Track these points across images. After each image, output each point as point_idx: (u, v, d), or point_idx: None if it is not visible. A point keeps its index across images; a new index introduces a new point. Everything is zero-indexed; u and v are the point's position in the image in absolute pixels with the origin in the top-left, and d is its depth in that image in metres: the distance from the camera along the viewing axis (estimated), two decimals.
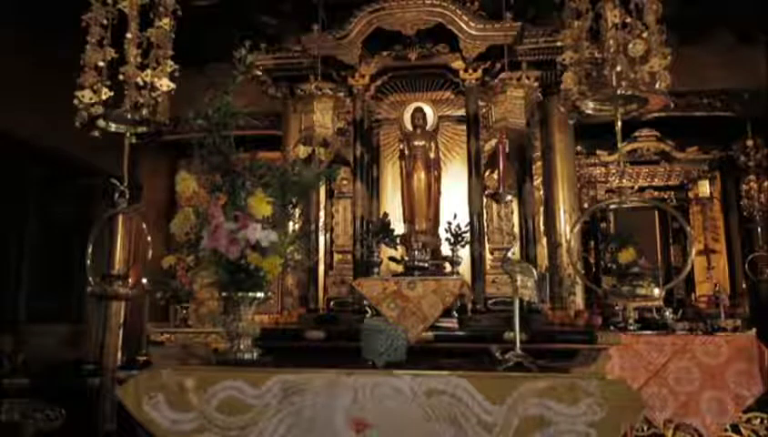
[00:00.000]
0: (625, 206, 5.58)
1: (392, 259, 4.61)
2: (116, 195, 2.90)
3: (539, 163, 5.50)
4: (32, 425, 3.86)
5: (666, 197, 7.16)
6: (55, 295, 6.06)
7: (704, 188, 7.04)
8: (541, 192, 5.60)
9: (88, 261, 2.87)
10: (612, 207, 6.73)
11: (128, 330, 5.83)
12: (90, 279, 2.89)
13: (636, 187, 6.92)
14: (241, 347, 2.39)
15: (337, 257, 5.08)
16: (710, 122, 6.44)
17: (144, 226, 3.08)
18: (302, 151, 4.93)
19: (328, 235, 5.06)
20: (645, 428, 3.91)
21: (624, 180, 6.41)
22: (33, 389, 5.04)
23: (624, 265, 4.83)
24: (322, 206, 5.05)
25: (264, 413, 1.99)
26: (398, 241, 4.62)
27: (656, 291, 2.77)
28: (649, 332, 4.64)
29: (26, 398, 4.19)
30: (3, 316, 5.99)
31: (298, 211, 2.87)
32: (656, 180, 7.26)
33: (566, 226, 5.23)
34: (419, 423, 1.88)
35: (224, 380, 2.05)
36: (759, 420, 4.15)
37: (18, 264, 6.22)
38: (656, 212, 7.21)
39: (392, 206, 5.02)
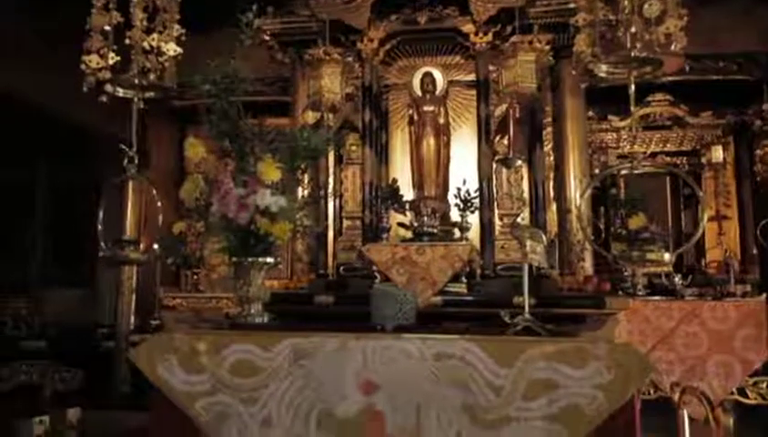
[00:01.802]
0: (636, 171, 5.54)
1: (401, 224, 4.62)
2: (126, 160, 2.90)
3: (549, 128, 5.45)
4: (50, 386, 3.95)
5: (678, 162, 7.09)
6: (68, 261, 6.15)
7: (717, 153, 6.95)
8: (552, 158, 5.56)
9: (100, 227, 2.89)
10: (624, 172, 6.68)
11: (140, 295, 5.91)
12: (102, 244, 2.91)
13: (648, 152, 6.83)
14: (252, 311, 2.42)
15: (346, 223, 5.10)
16: (725, 86, 6.32)
17: (154, 192, 3.09)
18: (311, 117, 4.91)
19: (337, 201, 5.07)
20: (652, 391, 3.95)
21: (636, 146, 6.34)
22: (50, 351, 5.16)
23: (634, 231, 4.80)
24: (331, 172, 5.05)
25: (275, 375, 2.02)
26: (407, 207, 4.62)
27: (666, 256, 2.75)
28: (657, 298, 4.63)
29: (44, 360, 4.29)
30: (18, 281, 6.09)
31: (306, 177, 2.87)
32: (668, 146, 7.18)
33: (576, 192, 5.20)
34: (427, 386, 1.90)
35: (235, 343, 2.08)
36: (766, 384, 4.18)
37: (31, 230, 6.29)
38: (667, 178, 7.14)
39: (401, 172, 5.01)
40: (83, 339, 5.68)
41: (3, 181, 6.07)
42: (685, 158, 7.16)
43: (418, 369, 1.92)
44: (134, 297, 5.87)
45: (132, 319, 5.82)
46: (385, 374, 1.94)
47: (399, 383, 1.93)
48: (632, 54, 2.51)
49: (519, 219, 4.43)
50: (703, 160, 7.05)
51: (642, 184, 6.66)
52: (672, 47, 2.46)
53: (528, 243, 2.20)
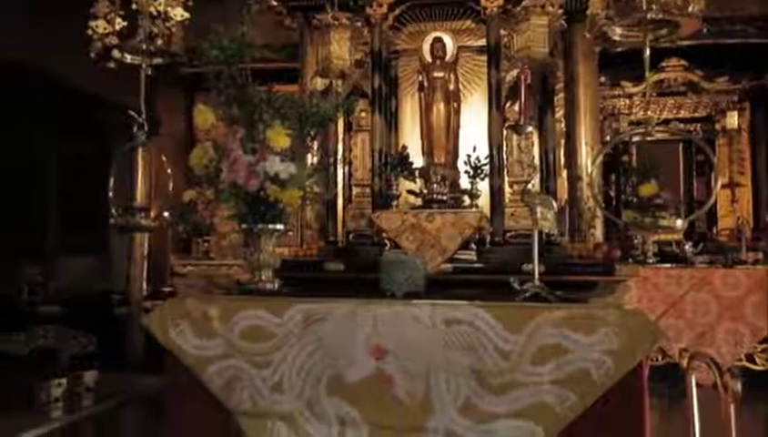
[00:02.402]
0: (649, 138, 5.47)
1: (411, 192, 4.60)
2: (135, 127, 2.90)
3: (561, 94, 5.36)
4: (66, 350, 4.03)
5: (692, 129, 6.98)
6: (81, 229, 6.20)
7: (732, 119, 6.83)
8: (563, 124, 5.50)
9: (110, 194, 2.91)
10: (636, 139, 6.60)
11: (152, 263, 5.97)
12: (113, 211, 2.94)
13: (661, 118, 6.73)
14: (263, 277, 2.44)
15: (355, 190, 5.09)
16: (742, 50, 6.18)
17: (163, 159, 3.09)
18: (319, 83, 4.86)
19: (346, 168, 5.06)
20: (660, 358, 3.98)
21: (649, 112, 6.25)
22: (65, 317, 5.24)
23: (646, 198, 4.76)
24: (340, 139, 5.02)
25: (286, 341, 2.05)
26: (416, 174, 4.60)
27: (678, 223, 2.73)
28: (668, 265, 4.63)
29: (60, 325, 4.36)
30: (33, 249, 6.17)
31: (316, 144, 2.86)
32: (682, 112, 7.06)
33: (587, 159, 5.15)
34: (437, 351, 1.92)
35: (246, 309, 2.11)
36: None
37: (44, 199, 6.35)
38: (680, 145, 7.06)
39: (411, 138, 4.97)
40: (97, 305, 5.76)
41: (15, 151, 6.10)
42: (699, 125, 7.05)
43: (427, 334, 1.94)
44: (145, 264, 5.93)
45: (144, 285, 5.89)
46: (395, 340, 1.96)
47: (408, 349, 1.95)
48: (648, 16, 2.45)
49: (529, 186, 4.40)
50: (718, 127, 6.94)
51: (655, 151, 6.57)
52: (690, 9, 2.39)
53: (538, 210, 2.19)
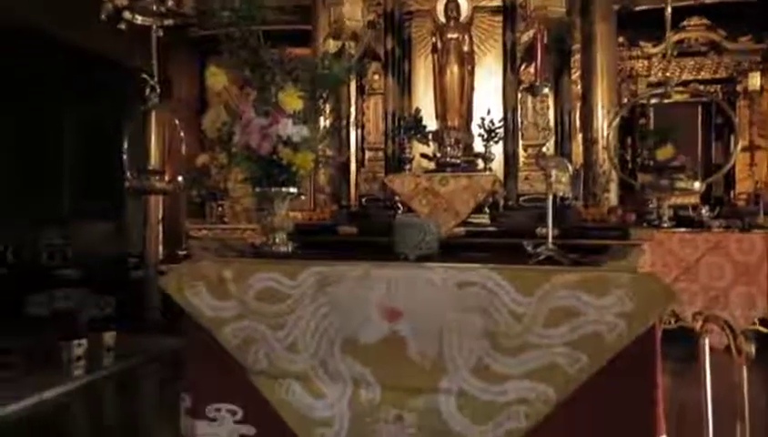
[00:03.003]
0: (667, 101, 5.38)
1: (424, 155, 4.58)
2: (148, 90, 2.89)
3: (577, 56, 5.26)
4: (86, 312, 4.12)
5: (712, 91, 6.82)
6: (97, 194, 6.26)
7: (755, 80, 6.66)
8: (579, 86, 5.41)
9: (124, 157, 2.92)
10: (654, 101, 6.47)
11: (167, 227, 6.02)
12: (127, 174, 2.95)
13: (680, 80, 6.58)
14: (276, 240, 2.45)
15: (368, 153, 5.08)
16: (766, 8, 5.99)
17: (176, 121, 3.09)
18: (332, 46, 4.80)
19: (359, 131, 5.03)
20: (673, 321, 3.98)
21: (668, 73, 6.11)
22: (83, 280, 5.34)
23: (662, 161, 4.69)
24: (353, 102, 4.99)
25: (300, 303, 2.07)
26: (430, 137, 4.56)
27: (696, 185, 2.70)
28: (683, 230, 4.59)
29: (79, 288, 4.45)
30: (51, 214, 6.25)
31: (328, 107, 2.83)
32: (702, 73, 6.89)
33: (603, 121, 5.08)
34: (450, 313, 1.93)
35: (261, 271, 2.12)
36: None
37: (61, 165, 6.40)
38: (699, 107, 6.91)
39: (424, 101, 4.92)
40: (114, 268, 5.85)
41: (31, 117, 6.13)
42: (720, 86, 6.88)
43: (440, 297, 1.95)
44: (161, 228, 5.99)
45: (160, 249, 5.96)
46: (408, 302, 1.98)
47: (421, 310, 1.96)
48: None
49: (544, 149, 4.36)
50: (739, 88, 6.76)
51: (672, 114, 6.46)
52: None
53: (553, 173, 2.17)
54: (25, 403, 3.17)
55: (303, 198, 5.26)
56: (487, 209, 4.16)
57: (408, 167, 4.49)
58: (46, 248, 6.21)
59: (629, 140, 6.86)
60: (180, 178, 5.26)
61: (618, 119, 5.11)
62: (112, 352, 4.01)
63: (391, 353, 1.99)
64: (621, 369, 1.81)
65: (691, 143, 6.55)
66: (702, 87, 6.76)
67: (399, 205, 4.26)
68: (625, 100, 6.44)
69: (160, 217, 5.89)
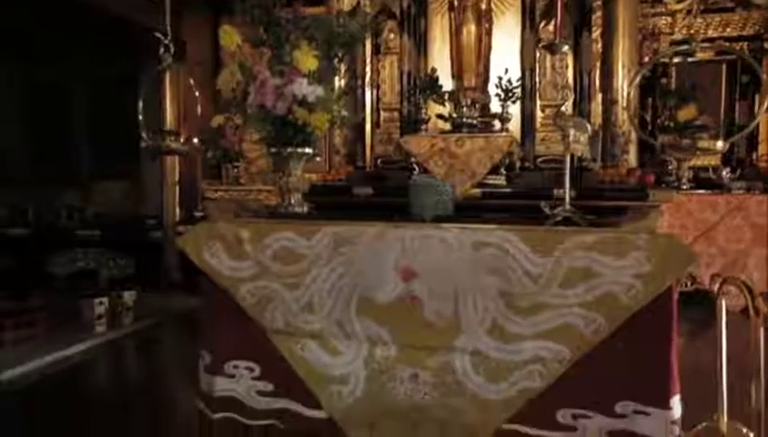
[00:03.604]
0: (690, 59, 5.23)
1: (440, 116, 4.53)
2: (161, 50, 2.87)
3: (598, 13, 5.11)
4: (105, 272, 4.19)
5: (738, 48, 6.61)
6: (114, 155, 6.29)
7: None
8: (599, 45, 5.28)
9: (140, 117, 2.92)
10: (676, 60, 6.30)
11: (183, 188, 6.06)
12: (143, 134, 2.96)
13: (705, 37, 6.37)
14: (292, 201, 2.46)
15: (383, 114, 5.04)
16: None
17: (191, 81, 3.07)
18: (346, 3, 4.72)
19: (374, 92, 4.98)
20: (689, 284, 3.96)
21: (693, 30, 5.92)
22: (102, 240, 5.42)
23: (683, 122, 4.59)
24: (368, 61, 4.92)
25: (316, 262, 2.08)
26: (446, 98, 4.51)
27: (719, 145, 2.63)
28: (702, 191, 4.52)
29: (98, 248, 4.52)
30: (68, 175, 6.31)
31: (343, 67, 2.80)
32: (728, 30, 6.66)
33: (624, 81, 4.97)
34: (465, 273, 1.93)
35: (277, 231, 2.13)
36: None
37: (78, 126, 6.43)
38: (723, 66, 6.72)
39: (440, 61, 4.85)
40: (132, 229, 5.92)
41: (48, 78, 6.14)
42: (746, 44, 6.66)
43: (455, 257, 1.95)
44: (177, 190, 6.02)
45: (177, 210, 6.00)
46: (423, 262, 1.98)
47: (437, 271, 1.97)
48: None
49: (562, 109, 4.28)
50: (767, 45, 6.55)
51: (695, 73, 6.28)
52: None
53: (571, 133, 2.13)
54: (50, 359, 3.26)
55: (318, 159, 5.25)
56: (503, 171, 4.13)
57: (423, 127, 4.45)
58: (66, 210, 6.29)
59: (649, 101, 6.71)
60: (196, 140, 5.26)
61: (639, 78, 4.99)
62: (131, 311, 4.09)
63: (406, 313, 2.00)
64: (637, 329, 1.81)
65: (713, 103, 6.39)
66: (727, 45, 6.55)
67: (415, 166, 4.24)
68: (647, 59, 6.28)
69: (177, 178, 5.92)
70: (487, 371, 1.94)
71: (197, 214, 5.72)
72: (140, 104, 2.96)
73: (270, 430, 2.14)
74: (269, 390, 2.17)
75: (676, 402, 1.84)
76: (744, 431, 2.12)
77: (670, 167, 5.18)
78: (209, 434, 2.19)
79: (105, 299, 3.94)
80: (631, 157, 4.96)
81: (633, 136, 4.92)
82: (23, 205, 6.39)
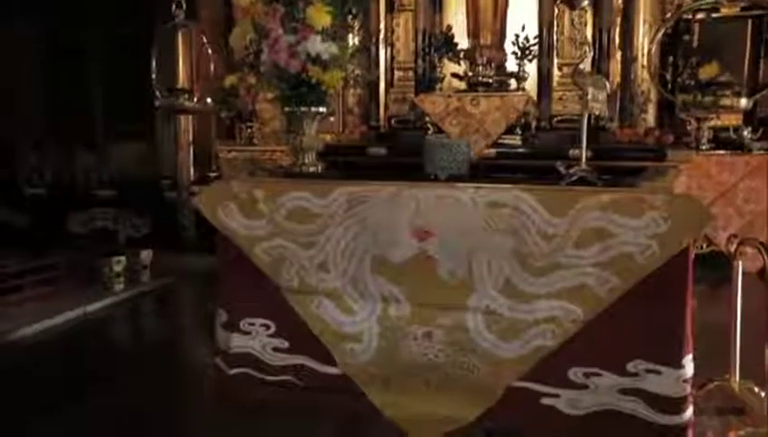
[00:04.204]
0: (714, 15, 5.07)
1: (455, 75, 4.46)
2: (173, 6, 2.83)
3: None
4: (123, 231, 4.25)
5: (766, 3, 6.37)
6: (128, 115, 6.29)
7: None
8: (620, 0, 5.13)
9: (153, 75, 2.90)
10: (699, 16, 6.11)
11: (198, 149, 6.06)
12: (157, 93, 2.94)
13: None
14: (306, 161, 2.45)
15: (398, 73, 4.97)
16: None
17: (203, 38, 3.04)
18: None
19: (388, 50, 4.91)
20: (705, 246, 3.92)
21: None
22: (119, 200, 5.48)
23: (705, 80, 4.47)
24: (382, 19, 4.83)
25: (330, 222, 2.08)
26: (461, 56, 4.43)
27: (743, 102, 2.57)
28: (722, 152, 4.43)
29: (115, 208, 4.57)
30: (83, 134, 6.34)
31: (357, 24, 2.75)
32: None
33: (645, 38, 4.84)
34: (479, 233, 1.93)
35: (291, 191, 2.13)
36: None
37: (92, 86, 6.42)
38: (749, 22, 6.50)
39: (456, 18, 4.75)
40: (147, 189, 5.96)
41: (61, 38, 6.11)
42: None
43: (470, 217, 1.94)
44: (191, 150, 6.03)
45: (191, 171, 6.02)
46: (438, 222, 1.98)
47: (451, 231, 1.97)
48: None
49: (581, 67, 4.20)
50: None
51: (719, 30, 6.09)
52: None
53: (589, 91, 2.09)
54: (71, 315, 3.34)
55: (332, 119, 5.22)
56: (519, 130, 4.08)
57: (438, 86, 4.39)
58: (82, 170, 6.34)
59: (670, 59, 6.53)
60: (209, 100, 5.24)
61: (661, 35, 4.85)
62: (148, 270, 4.15)
63: (420, 272, 2.01)
64: (652, 290, 1.81)
65: (737, 61, 6.21)
66: None
67: (429, 126, 4.20)
68: (669, 15, 6.09)
69: (191, 139, 5.92)
70: (500, 330, 1.96)
71: (212, 174, 5.73)
72: (153, 62, 2.94)
73: (286, 385, 2.18)
74: (285, 346, 2.21)
75: (688, 361, 1.84)
76: (756, 390, 2.13)
77: (689, 127, 5.07)
78: (226, 389, 2.24)
79: (122, 258, 4.01)
80: (650, 117, 4.87)
81: (652, 95, 4.82)
82: (40, 164, 6.45)
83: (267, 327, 2.22)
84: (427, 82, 4.45)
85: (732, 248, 2.09)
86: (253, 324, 2.23)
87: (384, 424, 1.98)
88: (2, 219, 4.84)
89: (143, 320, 3.73)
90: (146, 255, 4.20)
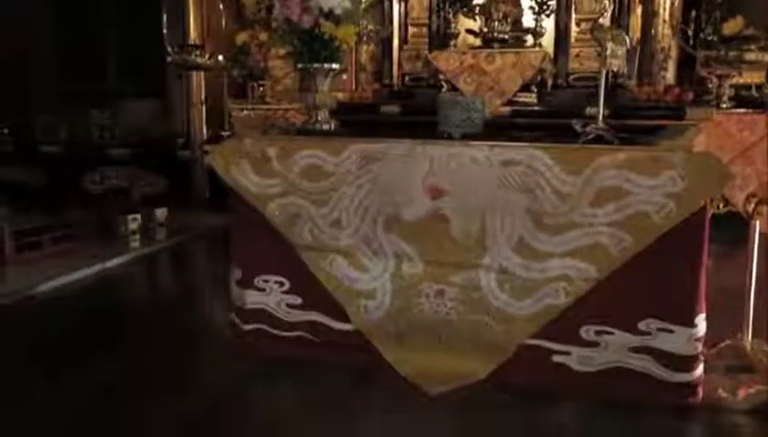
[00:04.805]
0: None
1: (470, 31, 4.37)
2: None
3: None
4: (137, 189, 4.28)
5: None
6: (140, 73, 6.25)
7: None
8: None
9: (164, 31, 2.87)
10: None
11: (210, 107, 6.04)
12: (168, 49, 2.92)
13: None
14: (319, 118, 2.44)
15: (411, 30, 4.87)
16: None
17: None
18: None
19: (402, 6, 4.80)
20: (721, 206, 3.87)
21: None
22: (133, 159, 5.50)
23: (729, 36, 4.33)
24: None
25: (343, 180, 2.09)
26: (476, 11, 4.33)
27: None
28: (743, 110, 4.33)
29: (129, 167, 4.59)
30: (98, 94, 6.33)
31: None
32: None
33: None
34: (493, 191, 1.92)
35: (304, 149, 2.13)
36: None
37: (103, 40, 6.38)
38: None
39: None
40: (161, 148, 5.96)
41: None
42: None
43: (484, 175, 1.93)
44: (204, 108, 6.00)
45: (204, 129, 6.01)
46: (451, 180, 1.97)
47: (465, 189, 1.96)
48: None
49: (599, 21, 4.09)
50: None
51: None
52: None
53: (608, 45, 2.04)
54: (88, 272, 3.39)
55: (344, 77, 5.15)
56: (534, 88, 4.01)
57: (453, 43, 4.31)
58: (97, 128, 6.35)
59: (692, 14, 6.33)
60: (221, 57, 5.19)
61: None
62: (163, 228, 4.20)
63: (433, 230, 2.02)
64: (666, 249, 1.80)
65: (763, 16, 6.01)
66: None
67: (443, 83, 4.14)
68: None
69: (203, 97, 5.88)
70: (512, 288, 1.97)
71: (224, 133, 5.72)
72: (164, 17, 2.90)
73: (300, 341, 2.23)
74: (298, 303, 2.25)
75: (701, 321, 1.85)
76: (767, 349, 2.13)
77: (710, 85, 4.95)
78: (242, 344, 2.29)
79: (138, 216, 4.05)
80: (669, 75, 4.76)
81: (673, 52, 4.69)
82: (55, 123, 6.47)
83: (282, 284, 2.26)
84: (441, 39, 4.36)
85: (750, 208, 2.06)
86: (267, 281, 2.27)
87: (396, 379, 2.02)
88: (18, 178, 4.89)
89: (159, 277, 3.79)
90: (160, 213, 4.25)
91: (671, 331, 1.84)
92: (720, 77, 4.59)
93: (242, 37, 5.16)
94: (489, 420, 1.82)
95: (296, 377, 2.06)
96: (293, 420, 1.83)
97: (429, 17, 4.46)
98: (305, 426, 1.78)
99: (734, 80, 4.94)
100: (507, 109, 3.84)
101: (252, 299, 2.28)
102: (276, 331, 2.27)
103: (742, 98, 4.86)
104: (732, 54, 2.48)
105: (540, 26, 4.08)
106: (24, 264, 3.44)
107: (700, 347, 1.86)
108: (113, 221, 4.01)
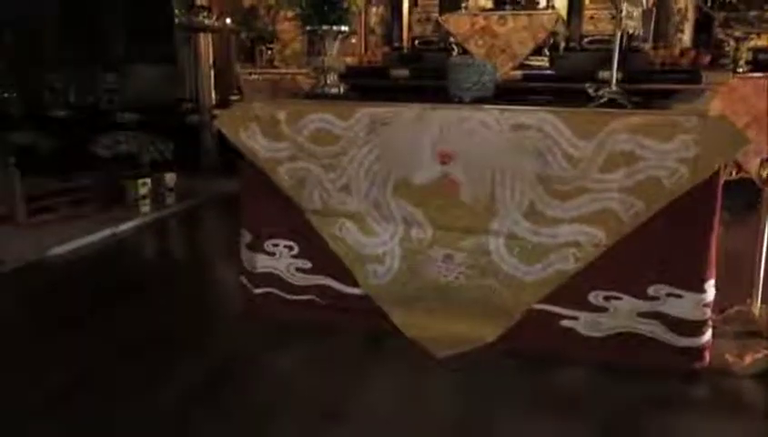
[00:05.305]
0: None
1: None
2: None
3: None
4: (146, 154, 4.27)
5: None
6: (148, 38, 6.20)
7: None
8: None
9: None
10: None
11: (218, 72, 5.99)
12: (176, 10, 2.88)
13: None
14: (328, 81, 2.41)
15: None
16: None
17: None
18: None
19: None
20: (734, 172, 3.82)
21: None
22: (142, 124, 5.49)
23: None
24: None
25: (353, 144, 2.07)
26: None
27: None
28: (760, 75, 4.24)
29: (138, 131, 4.57)
30: (104, 57, 6.30)
31: None
32: None
33: None
34: (503, 155, 1.91)
35: (313, 112, 2.11)
36: None
37: (113, 8, 6.32)
38: None
39: None
40: (169, 112, 5.94)
41: None
42: None
43: (494, 139, 1.91)
44: (212, 73, 5.95)
45: (213, 93, 5.98)
46: (461, 144, 1.95)
47: (475, 153, 1.94)
48: None
49: None
50: None
51: None
52: None
53: (624, 6, 1.99)
54: (100, 236, 3.42)
55: (354, 40, 5.08)
56: (547, 51, 3.93)
57: (464, 5, 4.22)
58: (106, 93, 6.34)
59: None
60: (228, 20, 5.12)
61: None
62: (173, 193, 4.21)
63: (443, 195, 2.01)
64: (677, 214, 1.79)
65: None
66: None
67: (454, 46, 4.07)
68: None
69: (211, 61, 5.83)
70: (521, 253, 1.97)
71: (233, 97, 5.68)
72: None
73: (310, 304, 2.25)
74: (308, 267, 2.26)
75: (710, 286, 1.85)
76: None
77: (727, 48, 4.84)
78: (252, 307, 2.32)
79: (148, 181, 4.06)
80: (686, 38, 4.65)
81: (690, 13, 4.57)
82: (65, 87, 6.46)
83: (291, 248, 2.27)
84: (452, 0, 4.28)
85: (765, 173, 2.04)
86: (277, 245, 2.28)
87: (404, 343, 2.04)
88: (28, 142, 4.90)
89: (169, 241, 3.81)
90: (170, 178, 4.25)
91: (680, 297, 1.84)
92: (738, 40, 4.48)
93: (250, 0, 5.11)
94: (495, 382, 1.84)
95: (305, 340, 2.09)
96: (302, 381, 1.86)
97: None
98: (314, 387, 1.81)
99: (752, 43, 4.82)
100: (519, 73, 3.78)
101: (262, 263, 2.30)
102: (286, 295, 2.29)
103: (761, 62, 4.76)
104: (753, 13, 2.40)
105: None
106: (36, 227, 3.48)
107: (708, 312, 1.86)
108: (122, 186, 4.03)
